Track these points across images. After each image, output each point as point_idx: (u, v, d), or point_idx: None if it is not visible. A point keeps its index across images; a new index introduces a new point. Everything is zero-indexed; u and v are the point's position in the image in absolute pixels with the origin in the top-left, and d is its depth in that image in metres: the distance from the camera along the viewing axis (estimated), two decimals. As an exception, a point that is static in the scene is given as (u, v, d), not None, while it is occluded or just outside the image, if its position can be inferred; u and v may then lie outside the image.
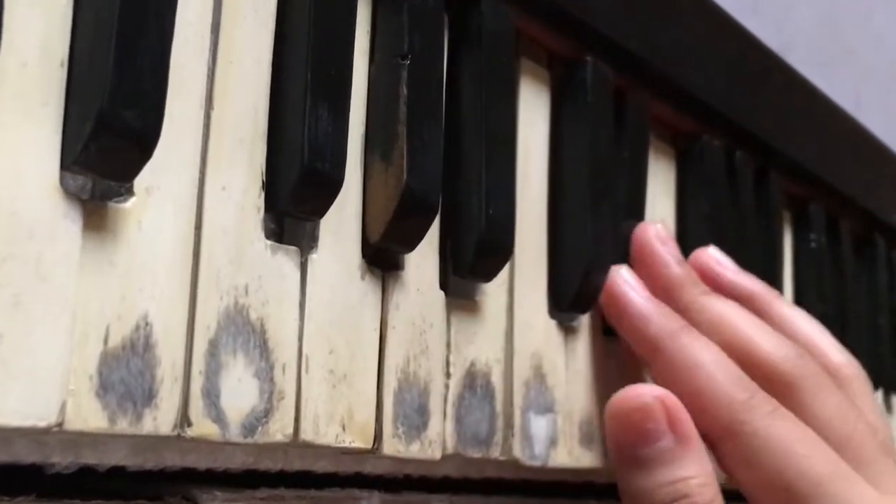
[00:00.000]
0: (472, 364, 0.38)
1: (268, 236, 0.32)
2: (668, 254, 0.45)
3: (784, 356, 0.43)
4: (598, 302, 0.44)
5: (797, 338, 0.45)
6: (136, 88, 0.27)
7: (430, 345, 0.36)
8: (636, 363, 0.46)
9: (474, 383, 0.38)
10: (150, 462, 0.30)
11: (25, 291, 0.26)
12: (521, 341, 0.40)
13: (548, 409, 0.41)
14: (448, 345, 0.37)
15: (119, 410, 0.27)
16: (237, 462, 0.32)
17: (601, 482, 0.45)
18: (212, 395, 0.29)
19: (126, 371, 0.28)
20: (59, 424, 0.26)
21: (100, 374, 0.27)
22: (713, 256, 0.48)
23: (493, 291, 0.40)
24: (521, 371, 0.40)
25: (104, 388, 0.27)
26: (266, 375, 0.31)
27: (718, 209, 0.52)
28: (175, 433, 0.29)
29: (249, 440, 0.30)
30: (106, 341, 0.27)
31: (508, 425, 0.39)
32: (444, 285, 0.38)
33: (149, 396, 0.28)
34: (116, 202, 0.28)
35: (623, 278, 0.44)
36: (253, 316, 0.31)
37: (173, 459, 0.31)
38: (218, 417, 0.30)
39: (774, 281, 0.57)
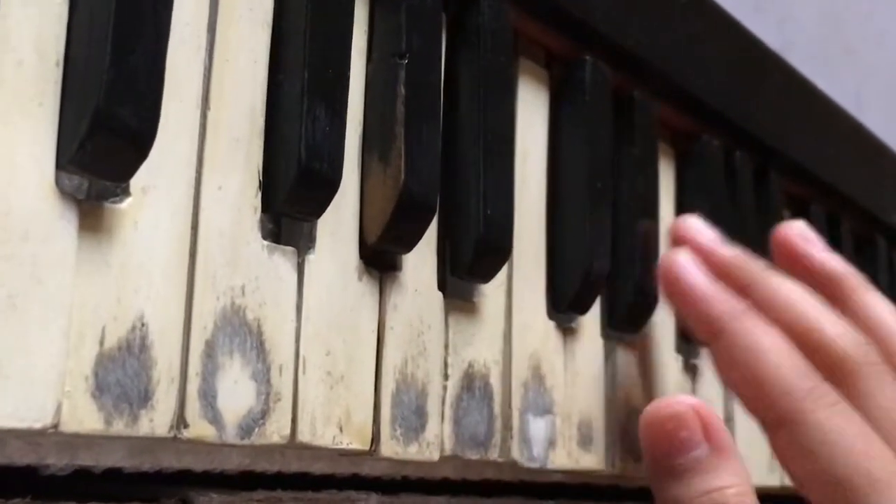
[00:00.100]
0: (471, 365, 0.38)
1: (265, 237, 0.32)
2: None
3: (848, 343, 0.42)
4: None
5: (874, 328, 0.45)
6: (132, 88, 0.27)
7: (428, 346, 0.36)
8: (635, 364, 0.46)
9: (472, 385, 0.38)
10: (146, 464, 0.30)
11: (21, 292, 0.26)
12: (519, 343, 0.40)
13: (546, 410, 0.41)
14: (446, 346, 0.37)
15: (115, 412, 0.27)
16: (234, 463, 0.32)
17: (600, 484, 0.45)
18: (208, 397, 0.29)
19: (122, 372, 0.28)
20: (55, 426, 0.26)
21: (95, 375, 0.27)
22: (801, 234, 0.48)
23: (491, 292, 0.40)
24: (520, 372, 0.40)
25: (100, 389, 0.27)
26: (263, 377, 0.31)
27: (718, 209, 0.52)
28: (171, 435, 0.29)
29: (246, 442, 0.30)
30: (102, 342, 0.27)
31: (507, 427, 0.39)
32: (442, 286, 0.38)
33: (145, 398, 0.28)
34: (112, 202, 0.28)
35: (685, 260, 0.44)
36: (250, 317, 0.31)
37: (169, 461, 0.31)
38: (214, 419, 0.29)
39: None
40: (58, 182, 0.27)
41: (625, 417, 0.45)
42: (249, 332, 0.31)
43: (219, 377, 0.30)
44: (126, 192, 0.28)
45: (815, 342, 0.42)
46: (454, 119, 0.38)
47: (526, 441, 0.40)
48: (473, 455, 0.38)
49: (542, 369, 0.41)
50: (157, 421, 0.28)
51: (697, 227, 0.46)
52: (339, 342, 0.33)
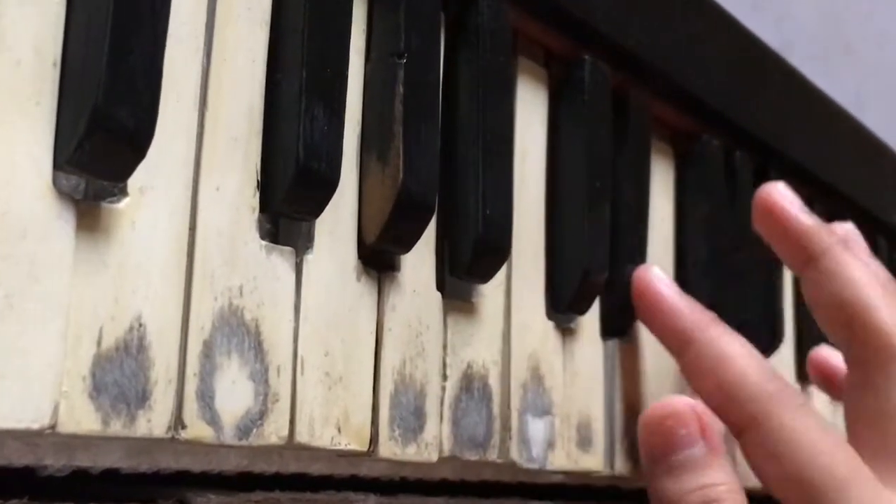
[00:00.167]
0: (469, 366, 0.38)
1: (263, 237, 0.32)
2: (795, 207, 0.46)
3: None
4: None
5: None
6: (130, 87, 0.27)
7: (427, 347, 0.36)
8: (634, 365, 0.46)
9: (471, 385, 0.38)
10: (143, 464, 0.30)
11: (18, 292, 0.25)
12: (518, 343, 0.40)
13: (545, 411, 0.41)
14: (444, 347, 0.37)
15: (112, 412, 0.27)
16: (232, 464, 0.32)
17: (599, 485, 0.45)
18: (206, 397, 0.29)
19: (119, 373, 0.27)
20: (52, 427, 0.26)
21: (93, 375, 0.27)
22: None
23: (490, 293, 0.40)
24: (519, 373, 0.40)
25: (97, 389, 0.27)
26: (261, 377, 0.31)
27: (718, 210, 0.52)
28: (169, 435, 0.28)
29: (244, 442, 0.30)
30: (99, 343, 0.27)
31: (506, 428, 0.39)
32: (440, 287, 0.37)
33: (142, 398, 0.28)
34: (110, 202, 0.28)
35: (655, 274, 0.45)
36: (247, 317, 0.31)
37: (167, 462, 0.31)
38: (212, 419, 0.29)
39: (775, 283, 0.57)
40: (55, 182, 0.27)
41: (624, 418, 0.45)
42: (247, 332, 0.31)
43: (217, 378, 0.30)
44: (123, 192, 0.28)
45: (864, 319, 0.43)
46: (453, 119, 0.38)
47: (525, 442, 0.40)
48: (472, 456, 0.37)
49: (541, 370, 0.41)
50: (154, 421, 0.28)
51: (781, 192, 0.47)
52: (338, 342, 0.33)
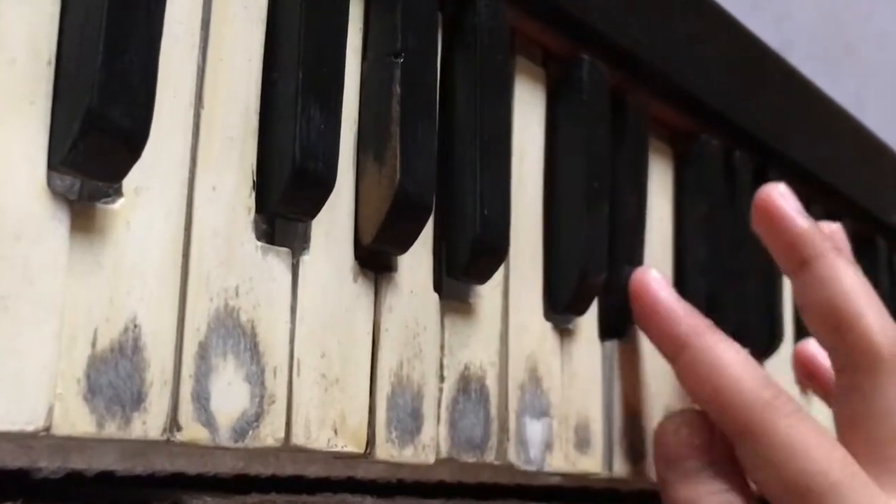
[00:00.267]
0: (467, 367, 0.38)
1: (259, 237, 0.32)
2: (792, 209, 0.46)
3: (887, 337, 0.43)
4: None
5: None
6: (125, 87, 0.26)
7: (424, 348, 0.36)
8: (633, 366, 0.46)
9: (468, 387, 0.38)
10: (139, 467, 0.30)
11: (12, 294, 0.25)
12: (516, 344, 0.40)
13: (543, 412, 0.41)
14: (442, 348, 0.37)
15: (107, 414, 0.27)
16: (227, 467, 0.32)
17: (597, 487, 0.45)
18: (201, 399, 0.29)
19: (114, 374, 0.27)
20: (47, 429, 0.26)
21: (88, 377, 0.27)
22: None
23: (487, 293, 0.39)
24: (516, 374, 0.40)
25: (92, 391, 0.27)
26: (257, 379, 0.31)
27: (717, 210, 0.52)
28: (164, 437, 0.28)
29: (240, 444, 0.30)
30: (94, 344, 0.27)
31: (503, 429, 0.39)
32: (437, 287, 0.37)
33: (137, 400, 0.28)
34: (105, 203, 0.28)
35: (653, 277, 0.45)
36: (243, 318, 0.31)
37: (162, 464, 0.31)
38: (208, 421, 0.29)
39: (774, 284, 0.57)
40: (49, 182, 0.27)
41: (622, 420, 0.45)
42: (243, 333, 0.30)
43: (212, 379, 0.29)
44: (118, 193, 0.28)
45: (853, 326, 0.43)
46: (450, 118, 0.38)
47: (522, 443, 0.39)
48: (469, 458, 0.37)
49: (539, 371, 0.41)
50: (149, 423, 0.28)
51: (781, 193, 0.47)
52: (334, 344, 0.33)
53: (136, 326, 0.28)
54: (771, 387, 0.42)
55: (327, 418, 0.32)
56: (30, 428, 0.25)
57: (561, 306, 0.42)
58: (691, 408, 0.44)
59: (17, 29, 0.26)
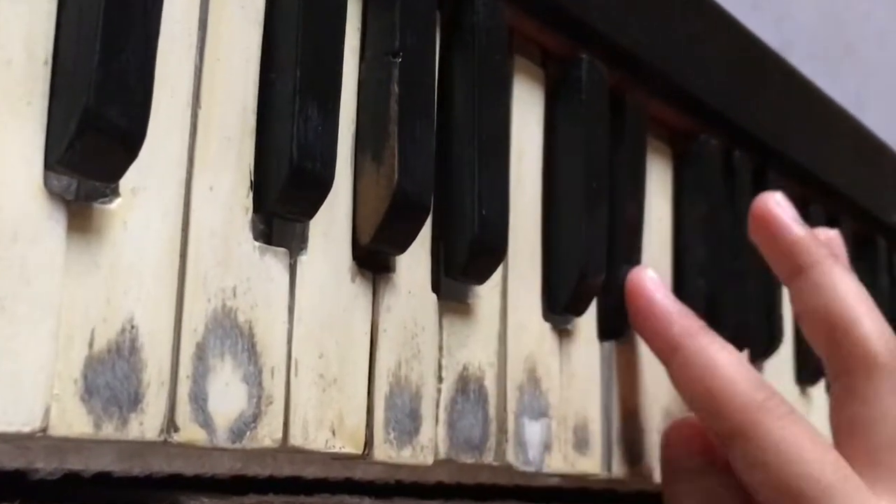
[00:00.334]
0: (465, 368, 0.38)
1: (256, 237, 0.31)
2: (788, 217, 0.47)
3: (884, 343, 0.43)
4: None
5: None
6: (122, 86, 0.26)
7: (422, 348, 0.36)
8: (632, 367, 0.46)
9: (467, 387, 0.38)
10: (136, 468, 0.30)
11: (9, 294, 0.25)
12: (514, 345, 0.40)
13: (542, 413, 0.41)
14: (440, 348, 0.37)
15: (104, 415, 0.27)
16: (225, 468, 0.32)
17: (596, 488, 0.45)
18: (199, 400, 0.29)
19: (111, 375, 0.27)
20: (44, 430, 0.26)
21: (85, 378, 0.27)
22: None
23: (486, 294, 0.39)
24: (515, 375, 0.40)
25: (89, 392, 0.27)
26: (254, 379, 0.30)
27: (716, 210, 0.52)
28: (161, 438, 0.28)
29: (237, 445, 0.30)
30: (91, 345, 0.27)
31: (502, 430, 0.39)
32: (436, 287, 0.37)
33: (135, 401, 0.28)
34: (102, 203, 0.28)
35: (649, 277, 0.45)
36: (241, 319, 0.30)
37: (160, 465, 0.30)
38: (205, 422, 0.29)
39: (773, 284, 0.56)
40: (46, 182, 0.26)
41: (621, 421, 0.45)
42: (241, 334, 0.30)
43: (210, 380, 0.29)
44: (115, 193, 0.28)
45: (850, 332, 0.44)
46: (448, 118, 0.38)
47: (521, 444, 0.39)
48: (468, 459, 0.37)
49: (538, 372, 0.41)
50: (146, 424, 0.28)
51: (777, 201, 0.48)
52: (332, 344, 0.33)
53: (133, 327, 0.28)
54: (764, 388, 0.42)
55: (325, 419, 0.32)
56: (26, 429, 0.25)
57: (560, 307, 0.42)
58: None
59: (14, 28, 0.26)
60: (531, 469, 0.40)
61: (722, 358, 0.42)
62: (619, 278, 0.45)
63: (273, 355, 0.31)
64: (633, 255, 0.47)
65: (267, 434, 0.31)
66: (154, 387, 0.28)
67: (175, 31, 0.30)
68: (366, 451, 0.34)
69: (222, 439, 0.29)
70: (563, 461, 0.41)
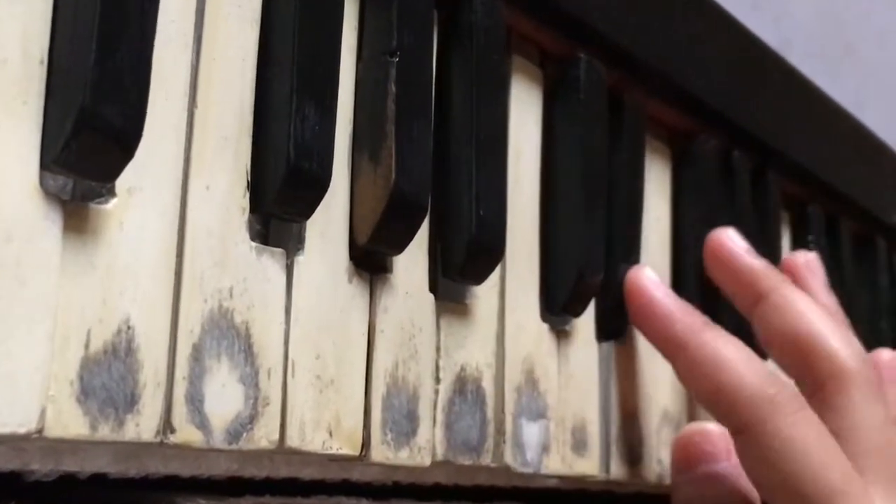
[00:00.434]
0: (463, 369, 0.38)
1: (253, 238, 0.31)
2: (741, 249, 0.48)
3: (849, 354, 0.44)
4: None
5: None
6: (118, 86, 0.26)
7: (420, 349, 0.36)
8: (630, 367, 0.46)
9: (465, 388, 0.38)
10: (132, 469, 0.30)
11: (4, 294, 0.25)
12: (512, 345, 0.40)
13: (540, 414, 0.40)
14: (438, 349, 0.37)
15: (100, 416, 0.27)
16: (221, 469, 0.32)
17: (594, 489, 0.45)
18: (195, 401, 0.29)
19: (107, 376, 0.27)
20: (39, 431, 0.26)
21: (80, 379, 0.27)
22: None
23: (483, 294, 0.39)
24: (513, 376, 0.40)
25: (85, 393, 0.27)
26: (251, 381, 0.30)
27: (715, 210, 0.52)
28: (158, 440, 0.28)
29: (234, 447, 0.30)
30: (87, 346, 0.27)
31: (500, 431, 0.39)
32: (433, 288, 0.37)
33: (131, 402, 0.28)
34: (97, 203, 0.28)
35: (648, 277, 0.45)
36: (237, 319, 0.30)
37: (156, 466, 0.30)
38: (202, 423, 0.29)
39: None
40: (42, 182, 0.26)
41: (619, 422, 0.45)
42: (237, 335, 0.30)
43: (206, 381, 0.29)
44: (111, 193, 0.28)
45: (817, 349, 0.44)
46: (446, 118, 0.38)
47: (519, 446, 0.39)
48: (466, 460, 0.37)
49: (536, 373, 0.41)
50: (143, 426, 0.28)
51: (731, 235, 0.48)
52: (329, 345, 0.33)
53: (129, 328, 0.28)
54: (775, 383, 0.41)
55: (322, 420, 0.32)
56: (22, 430, 0.25)
57: (558, 307, 0.42)
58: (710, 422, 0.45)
59: (9, 28, 0.26)
60: (529, 470, 0.40)
61: (729, 352, 0.42)
62: (618, 279, 0.45)
63: (270, 356, 0.31)
64: (631, 256, 0.47)
65: (263, 435, 0.30)
66: (150, 388, 0.28)
67: (171, 31, 0.30)
68: (363, 453, 0.34)
69: (219, 440, 0.29)
70: (561, 462, 0.41)
